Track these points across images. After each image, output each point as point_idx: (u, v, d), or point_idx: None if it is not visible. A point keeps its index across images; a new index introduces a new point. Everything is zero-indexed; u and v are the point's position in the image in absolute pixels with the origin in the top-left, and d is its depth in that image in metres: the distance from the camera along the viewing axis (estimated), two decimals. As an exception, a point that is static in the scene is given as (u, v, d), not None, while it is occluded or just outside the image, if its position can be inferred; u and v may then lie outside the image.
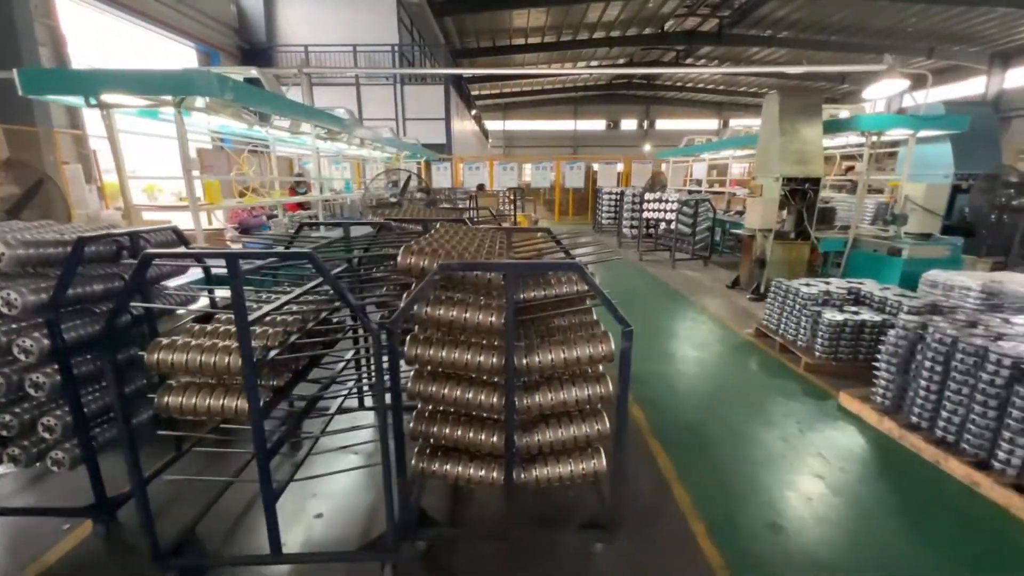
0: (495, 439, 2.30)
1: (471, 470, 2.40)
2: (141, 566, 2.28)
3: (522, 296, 2.57)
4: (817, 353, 4.82)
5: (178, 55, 15.52)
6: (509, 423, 2.23)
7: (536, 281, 2.36)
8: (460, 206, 8.68)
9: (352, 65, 17.79)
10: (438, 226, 3.10)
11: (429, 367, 2.28)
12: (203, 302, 3.42)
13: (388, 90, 18.36)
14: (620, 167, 18.77)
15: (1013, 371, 2.94)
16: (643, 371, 4.87)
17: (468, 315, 2.15)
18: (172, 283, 3.45)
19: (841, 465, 3.32)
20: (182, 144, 4.22)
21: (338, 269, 3.20)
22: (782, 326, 5.41)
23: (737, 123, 43.94)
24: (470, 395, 2.27)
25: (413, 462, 2.41)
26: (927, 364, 3.43)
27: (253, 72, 5.97)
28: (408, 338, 2.25)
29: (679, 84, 40.14)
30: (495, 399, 2.24)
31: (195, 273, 3.88)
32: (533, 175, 17.12)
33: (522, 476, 2.42)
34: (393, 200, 6.76)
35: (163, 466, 2.83)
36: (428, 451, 2.43)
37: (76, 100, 4.12)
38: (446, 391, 2.28)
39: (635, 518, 2.78)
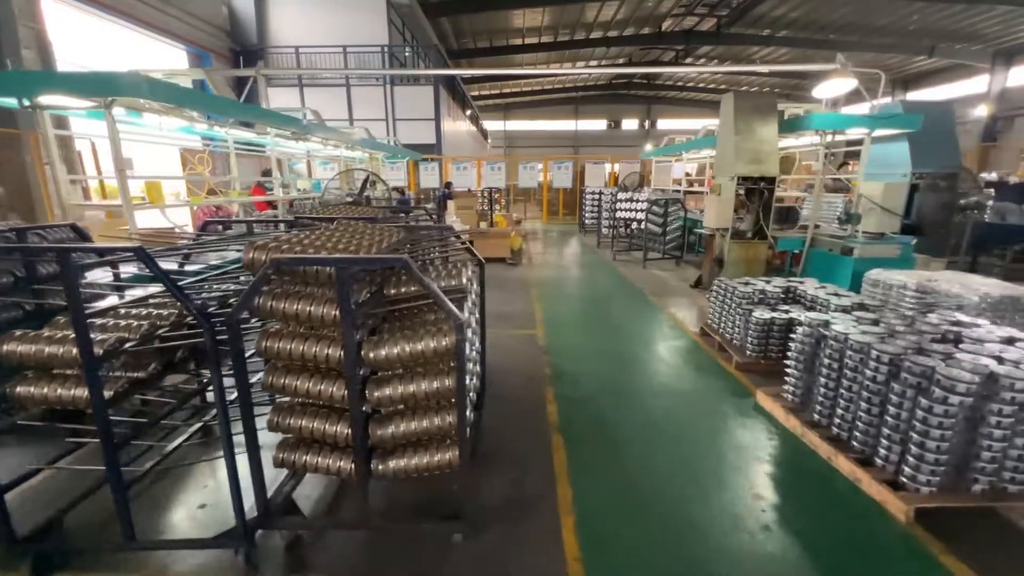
0: (349, 431, 2.37)
1: (330, 461, 2.46)
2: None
3: (392, 292, 2.65)
4: (748, 352, 4.85)
5: (169, 57, 15.73)
6: (355, 415, 2.29)
7: (401, 277, 2.42)
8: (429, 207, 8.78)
9: (343, 66, 17.92)
10: (334, 224, 3.17)
11: (280, 360, 2.34)
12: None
13: (379, 90, 18.49)
14: (613, 167, 18.82)
15: (891, 368, 2.96)
16: (576, 368, 4.93)
17: (312, 308, 2.21)
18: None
19: (739, 464, 3.35)
20: (114, 144, 4.31)
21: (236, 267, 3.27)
22: (722, 325, 5.43)
23: (739, 123, 44.03)
24: (321, 387, 2.33)
25: (275, 453, 2.48)
26: (825, 362, 3.46)
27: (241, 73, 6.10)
28: (260, 332, 2.32)
29: (679, 84, 40.03)
30: (345, 391, 2.30)
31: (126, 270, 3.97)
32: (521, 175, 17.14)
33: (379, 467, 2.48)
34: (348, 200, 6.84)
35: (56, 457, 2.91)
36: (291, 443, 2.50)
37: (10, 102, 4.24)
38: (298, 383, 2.34)
39: (507, 510, 2.84)
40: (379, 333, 2.42)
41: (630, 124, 43.15)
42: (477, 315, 3.53)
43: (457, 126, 24.58)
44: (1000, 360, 2.83)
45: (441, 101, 19.72)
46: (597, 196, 13.75)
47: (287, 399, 2.47)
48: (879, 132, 6.79)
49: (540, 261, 10.66)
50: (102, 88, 4.01)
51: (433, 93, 18.51)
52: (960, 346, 3.05)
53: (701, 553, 2.54)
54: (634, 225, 10.45)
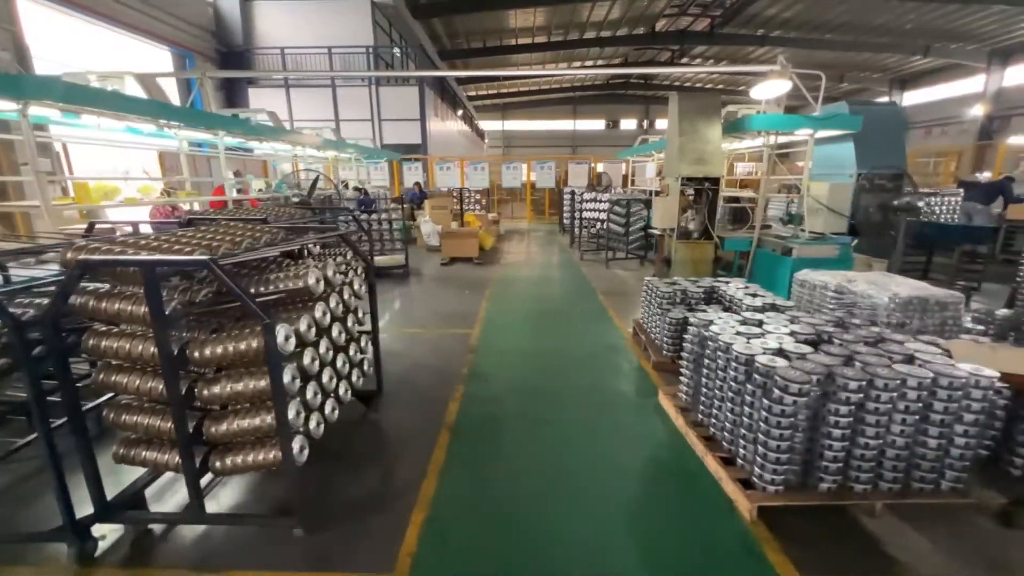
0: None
1: (168, 457, 2.52)
2: None
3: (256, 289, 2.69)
4: (664, 351, 4.87)
5: (153, 58, 15.88)
6: (176, 412, 2.35)
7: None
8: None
9: (328, 67, 18.01)
10: (218, 224, 3.23)
11: (106, 358, 2.40)
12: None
13: (364, 91, 18.59)
14: (597, 167, 18.78)
15: (747, 368, 2.98)
16: (496, 367, 4.97)
17: (132, 308, 2.27)
18: None
19: (619, 462, 3.37)
20: (29, 145, 4.40)
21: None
22: (648, 324, 5.46)
23: (737, 122, 43.87)
24: (151, 384, 2.39)
25: (114, 449, 2.54)
26: (706, 362, 3.49)
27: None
28: (87, 332, 2.38)
29: (677, 83, 39.90)
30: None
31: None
32: (504, 175, 17.15)
33: (217, 464, 2.54)
34: (295, 200, 6.92)
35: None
36: (131, 439, 2.56)
37: (-70, 105, 4.33)
38: (127, 381, 2.41)
39: (363, 505, 2.88)
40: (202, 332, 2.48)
41: (628, 124, 43.09)
42: (361, 315, 3.59)
43: (447, 126, 24.65)
44: (850, 361, 2.85)
45: (428, 101, 19.82)
46: (571, 196, 13.77)
47: (124, 397, 2.52)
48: (825, 133, 6.79)
49: (509, 261, 10.70)
50: (13, 90, 4.10)
51: (418, 94, 18.60)
52: (821, 347, 3.07)
53: (541, 550, 2.58)
54: (598, 225, 10.48)
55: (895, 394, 2.64)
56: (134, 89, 6.29)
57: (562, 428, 3.82)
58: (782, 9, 23.23)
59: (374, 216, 9.26)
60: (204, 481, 2.67)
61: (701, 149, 6.92)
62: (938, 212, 10.28)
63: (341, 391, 3.21)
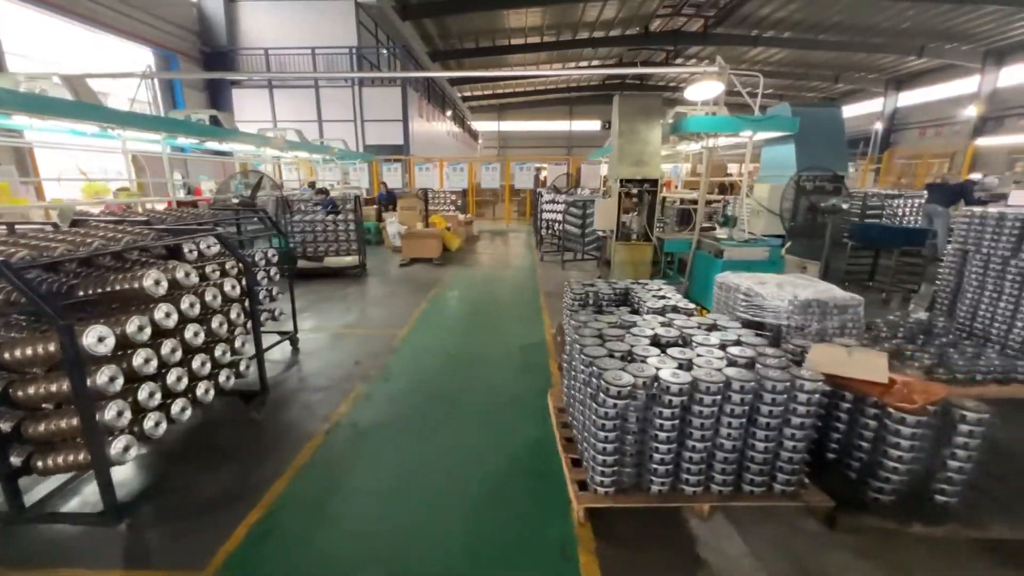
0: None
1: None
2: None
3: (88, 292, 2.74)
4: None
5: (136, 59, 16.03)
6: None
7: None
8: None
9: (311, 68, 18.11)
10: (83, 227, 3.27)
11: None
12: None
13: (347, 92, 18.67)
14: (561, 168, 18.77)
15: (592, 369, 2.99)
16: (407, 367, 5.01)
17: (-62, 308, 2.32)
18: None
19: (487, 463, 3.39)
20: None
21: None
22: (566, 326, 5.47)
23: (734, 123, 43.66)
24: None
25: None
26: (574, 363, 3.50)
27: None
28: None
29: (672, 84, 39.74)
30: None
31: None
32: (484, 175, 17.21)
33: (39, 464, 2.58)
34: (235, 201, 6.98)
35: None
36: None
37: None
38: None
39: (206, 502, 2.93)
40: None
41: (625, 124, 42.87)
42: (236, 316, 3.63)
43: (433, 127, 24.69)
44: (689, 365, 2.86)
45: (412, 102, 19.87)
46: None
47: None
48: (765, 135, 6.79)
49: (470, 261, 10.74)
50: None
51: (401, 94, 18.66)
52: (668, 351, 3.07)
53: (365, 549, 2.61)
54: (556, 226, 10.50)
55: (718, 397, 2.65)
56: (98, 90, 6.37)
57: (446, 429, 3.85)
58: (775, 9, 23.11)
59: (330, 217, 9.28)
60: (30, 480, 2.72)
61: (640, 151, 6.93)
62: (902, 215, 10.26)
63: (201, 391, 3.24)
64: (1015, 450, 3.27)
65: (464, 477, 3.22)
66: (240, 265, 3.72)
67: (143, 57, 16.17)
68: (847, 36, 25.40)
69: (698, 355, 2.95)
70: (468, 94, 38.74)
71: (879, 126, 32.02)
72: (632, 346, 3.14)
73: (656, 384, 2.69)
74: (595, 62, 34.97)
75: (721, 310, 4.99)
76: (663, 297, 4.88)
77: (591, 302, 5.16)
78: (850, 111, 36.06)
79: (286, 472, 3.24)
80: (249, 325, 3.90)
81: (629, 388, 2.64)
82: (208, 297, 3.28)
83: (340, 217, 9.11)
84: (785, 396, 2.66)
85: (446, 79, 31.82)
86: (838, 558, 2.52)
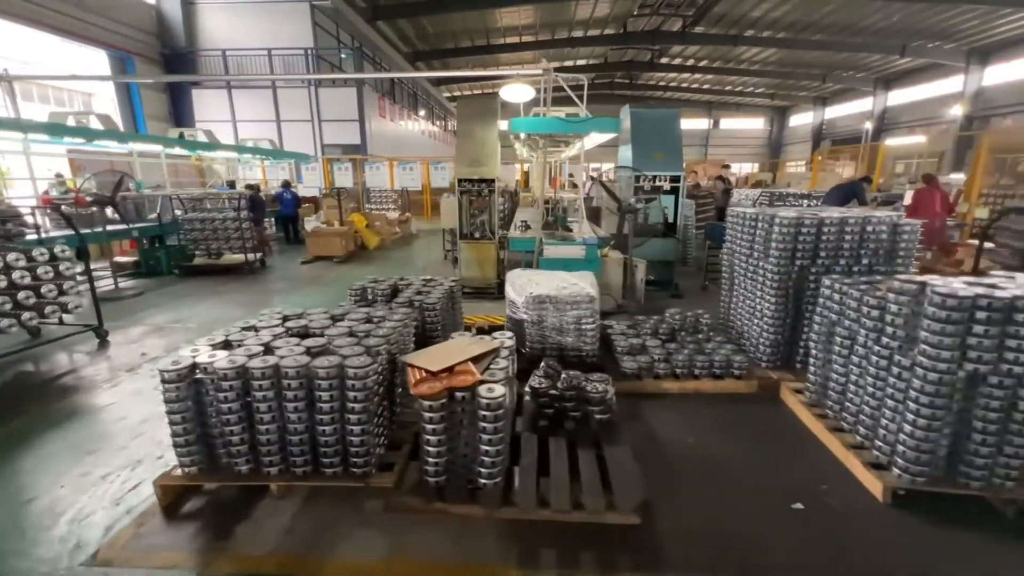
0: None
1: None
2: None
3: None
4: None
5: (91, 61, 16.53)
6: None
7: None
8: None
9: (268, 70, 18.45)
10: None
11: None
12: None
13: (304, 92, 19.02)
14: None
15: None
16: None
17: None
18: None
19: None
20: None
21: None
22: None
23: (728, 123, 43.23)
24: None
25: None
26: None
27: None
28: None
29: (662, 84, 39.55)
30: None
31: None
32: (434, 175, 17.42)
33: None
34: (89, 200, 7.28)
35: None
36: None
37: None
38: None
39: None
40: None
41: (617, 124, 42.76)
42: None
43: (400, 127, 24.95)
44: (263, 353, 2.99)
45: (372, 102, 20.18)
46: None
47: None
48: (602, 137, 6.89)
49: (376, 257, 10.98)
50: None
51: (356, 95, 18.95)
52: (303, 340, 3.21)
53: None
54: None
55: (270, 381, 2.80)
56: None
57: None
58: (751, 8, 22.91)
59: (232, 215, 9.54)
60: None
61: (478, 151, 7.07)
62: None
63: None
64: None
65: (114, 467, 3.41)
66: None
67: (98, 60, 16.63)
68: (826, 35, 25.14)
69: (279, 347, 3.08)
70: (458, 94, 38.94)
71: (869, 125, 31.56)
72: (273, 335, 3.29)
73: (206, 369, 2.85)
74: (581, 61, 34.94)
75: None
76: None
77: (369, 297, 5.34)
78: (841, 110, 35.57)
79: None
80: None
81: (182, 371, 2.82)
82: None
83: (232, 216, 9.37)
84: (337, 381, 2.81)
85: (428, 80, 32.13)
86: (366, 534, 2.66)
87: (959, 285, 2.75)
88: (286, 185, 13.31)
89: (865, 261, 4.18)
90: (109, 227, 8.26)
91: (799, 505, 2.86)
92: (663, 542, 2.58)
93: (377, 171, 17.18)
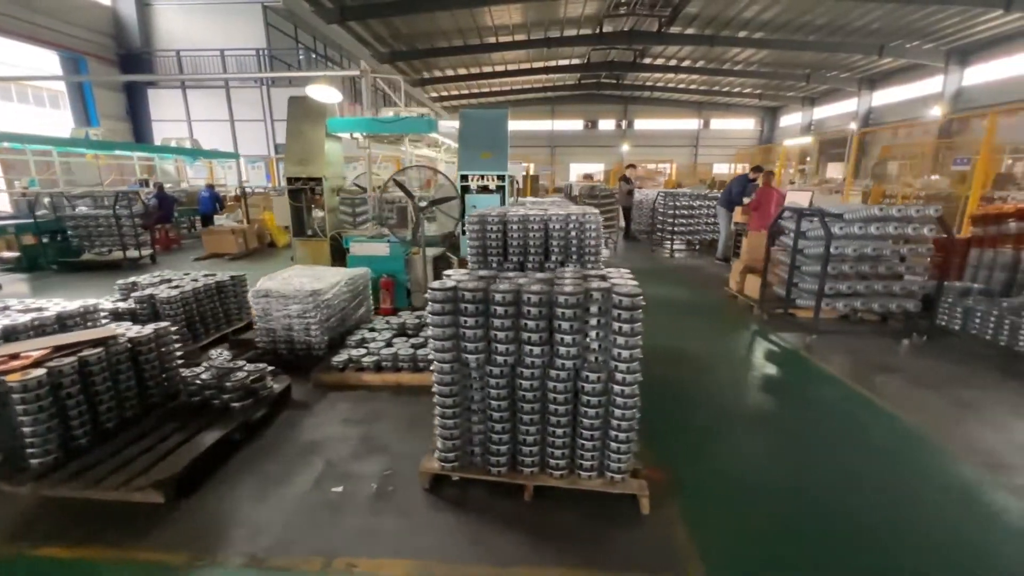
0: None
1: None
2: None
3: None
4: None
5: (43, 62, 16.94)
6: None
7: None
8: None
9: (222, 69, 18.74)
10: None
11: None
12: None
13: (257, 92, 19.27)
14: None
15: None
16: None
17: None
18: None
19: None
20: None
21: None
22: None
23: (718, 123, 42.71)
24: None
25: None
26: None
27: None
28: None
29: (649, 85, 39.18)
30: None
31: None
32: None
33: None
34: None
35: None
36: None
37: None
38: None
39: None
40: None
41: (607, 124, 42.74)
42: None
43: (363, 127, 25.03)
44: None
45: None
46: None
47: None
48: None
49: (279, 254, 11.11)
50: None
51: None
52: None
53: None
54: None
55: None
56: None
57: None
58: (723, 7, 22.63)
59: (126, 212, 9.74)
60: None
61: (306, 150, 7.12)
62: (704, 214, 10.36)
63: None
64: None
65: None
66: None
67: (51, 61, 17.04)
68: (803, 34, 24.77)
69: None
70: (444, 93, 38.94)
71: (854, 126, 31.03)
72: None
73: None
74: (563, 62, 34.81)
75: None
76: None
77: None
78: (829, 110, 34.92)
79: None
80: None
81: None
82: None
83: (108, 214, 9.57)
84: None
85: (409, 81, 32.19)
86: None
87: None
88: (210, 186, 13.57)
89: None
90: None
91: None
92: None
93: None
